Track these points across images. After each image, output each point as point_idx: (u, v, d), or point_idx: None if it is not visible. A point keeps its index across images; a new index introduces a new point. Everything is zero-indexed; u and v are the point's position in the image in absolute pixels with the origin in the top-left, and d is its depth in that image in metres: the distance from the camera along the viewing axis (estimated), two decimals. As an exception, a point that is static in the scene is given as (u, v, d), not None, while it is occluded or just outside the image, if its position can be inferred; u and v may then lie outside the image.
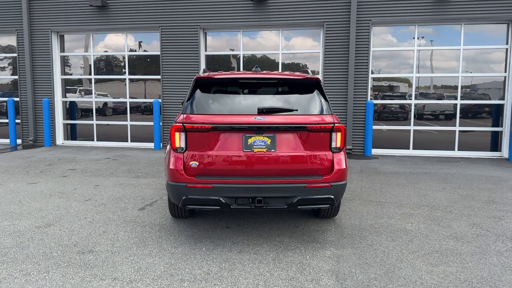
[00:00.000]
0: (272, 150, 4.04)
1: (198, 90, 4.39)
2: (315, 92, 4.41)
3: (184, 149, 4.11)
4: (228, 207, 3.98)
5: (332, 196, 4.00)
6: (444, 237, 4.45)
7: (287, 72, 5.17)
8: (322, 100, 4.36)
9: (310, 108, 4.33)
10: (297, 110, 4.20)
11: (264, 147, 4.04)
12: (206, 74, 4.74)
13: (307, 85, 4.49)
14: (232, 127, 4.04)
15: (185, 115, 4.14)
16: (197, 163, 4.02)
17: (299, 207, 4.03)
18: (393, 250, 4.08)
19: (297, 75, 4.68)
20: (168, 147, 4.30)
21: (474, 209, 5.52)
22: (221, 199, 3.92)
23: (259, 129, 4.02)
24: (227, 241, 4.26)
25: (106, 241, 4.24)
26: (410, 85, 10.60)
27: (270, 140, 4.05)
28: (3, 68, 12.57)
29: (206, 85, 4.50)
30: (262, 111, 4.10)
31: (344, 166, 4.15)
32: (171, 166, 4.07)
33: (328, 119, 4.16)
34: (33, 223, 4.82)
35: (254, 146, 4.03)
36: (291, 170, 4.08)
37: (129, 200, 5.85)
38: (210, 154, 4.03)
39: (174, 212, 4.82)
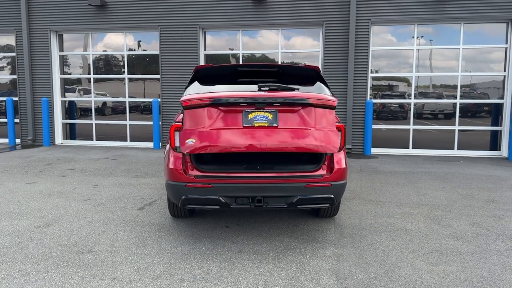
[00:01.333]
0: (274, 125, 3.89)
1: (197, 81, 4.40)
2: (316, 80, 4.42)
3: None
4: (228, 207, 3.96)
5: (332, 196, 3.98)
6: (444, 237, 4.44)
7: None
8: (323, 86, 4.36)
9: (312, 91, 4.31)
10: (298, 90, 4.16)
11: (266, 122, 3.88)
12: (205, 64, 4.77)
13: (307, 73, 4.49)
14: (231, 102, 3.90)
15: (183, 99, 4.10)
16: (194, 140, 3.84)
17: (299, 206, 4.02)
18: (393, 249, 4.07)
19: (297, 65, 4.70)
20: (168, 146, 4.28)
21: (474, 208, 5.51)
22: (220, 198, 3.90)
23: (260, 104, 3.88)
24: (227, 241, 4.25)
25: (106, 241, 4.23)
26: (409, 85, 10.60)
27: (271, 116, 3.91)
28: (2, 68, 12.54)
29: (206, 75, 4.51)
30: (263, 89, 4.02)
31: (344, 166, 4.14)
32: (171, 166, 4.06)
33: (332, 98, 4.11)
34: (32, 223, 4.80)
35: (255, 121, 3.88)
36: (294, 146, 3.85)
37: (128, 199, 5.84)
38: (207, 130, 3.87)
39: (173, 211, 4.81)
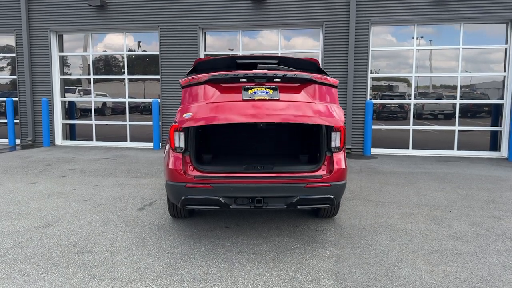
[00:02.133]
0: (275, 98, 3.83)
1: (195, 72, 4.41)
2: (316, 70, 4.43)
3: (184, 149, 4.10)
4: (228, 207, 3.96)
5: (332, 196, 3.98)
6: (444, 237, 4.44)
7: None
8: (324, 73, 4.38)
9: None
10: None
11: (266, 96, 3.83)
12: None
13: (307, 65, 4.49)
14: (230, 77, 3.85)
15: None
16: (192, 114, 3.75)
17: (298, 207, 4.02)
18: (393, 250, 4.07)
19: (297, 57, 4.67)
20: (167, 147, 4.28)
21: (474, 209, 5.51)
22: (220, 199, 3.90)
23: (260, 79, 3.80)
24: (227, 241, 4.25)
25: (105, 241, 4.23)
26: (409, 85, 10.60)
27: (272, 91, 3.86)
28: (1, 68, 12.54)
29: (205, 68, 4.52)
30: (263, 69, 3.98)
31: (343, 166, 4.14)
32: (170, 166, 4.06)
33: (333, 78, 4.10)
34: (32, 223, 4.80)
35: (256, 96, 3.83)
36: (296, 117, 3.72)
37: (128, 200, 5.83)
38: (205, 104, 3.80)
39: (173, 212, 4.80)
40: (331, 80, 4.06)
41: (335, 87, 4.08)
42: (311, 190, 3.96)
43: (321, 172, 4.11)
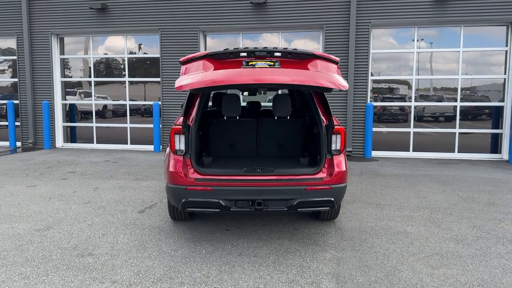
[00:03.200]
0: (277, 66, 3.79)
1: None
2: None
3: (184, 151, 4.11)
4: (228, 210, 3.96)
5: (332, 199, 3.98)
6: (444, 240, 4.43)
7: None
8: None
9: None
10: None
11: (267, 66, 3.78)
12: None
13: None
14: (229, 52, 3.79)
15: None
16: (191, 79, 3.65)
17: (299, 209, 4.02)
18: (393, 252, 4.07)
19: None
20: (168, 149, 4.29)
21: (475, 211, 5.51)
22: (221, 201, 3.90)
23: (261, 52, 3.73)
24: (227, 244, 4.24)
25: (106, 244, 4.23)
26: (410, 87, 10.60)
27: (273, 63, 3.82)
28: (3, 71, 12.57)
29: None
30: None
31: (344, 169, 4.14)
32: (171, 169, 4.07)
33: (335, 57, 4.07)
34: (33, 226, 4.80)
35: (256, 66, 3.77)
36: (295, 80, 3.60)
37: (128, 202, 5.84)
38: (205, 72, 3.74)
39: (173, 214, 4.80)
40: (332, 57, 4.04)
41: (337, 63, 4.03)
42: (312, 192, 3.96)
43: (322, 175, 4.11)
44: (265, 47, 3.97)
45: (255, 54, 3.79)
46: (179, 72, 11.34)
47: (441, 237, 4.51)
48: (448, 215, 5.35)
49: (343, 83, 3.67)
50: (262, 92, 4.75)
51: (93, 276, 3.50)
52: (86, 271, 3.59)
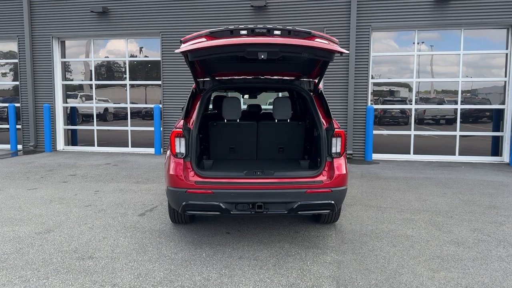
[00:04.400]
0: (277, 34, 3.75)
1: None
2: None
3: (184, 154, 4.11)
4: (228, 213, 3.97)
5: (333, 202, 3.98)
6: (445, 243, 4.43)
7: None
8: None
9: None
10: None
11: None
12: None
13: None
14: (230, 30, 3.77)
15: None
16: (192, 45, 3.63)
17: (299, 212, 4.02)
18: (394, 255, 4.06)
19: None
20: (168, 152, 4.30)
21: (475, 214, 5.50)
22: (221, 204, 3.91)
23: (261, 29, 3.71)
24: (227, 247, 4.24)
25: (106, 247, 4.23)
26: (410, 90, 10.60)
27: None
28: (4, 74, 12.60)
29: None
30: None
31: (344, 172, 4.14)
32: (171, 172, 4.07)
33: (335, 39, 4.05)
34: (33, 229, 4.81)
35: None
36: (300, 43, 3.62)
37: (129, 205, 5.84)
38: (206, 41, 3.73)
39: (174, 217, 4.80)
40: (332, 38, 4.01)
41: (336, 43, 4.02)
42: (312, 195, 3.96)
43: (322, 178, 4.11)
44: (265, 25, 3.97)
45: (255, 32, 3.77)
46: (180, 75, 11.34)
47: (442, 240, 4.50)
48: (449, 218, 5.34)
49: (343, 50, 3.69)
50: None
51: (94, 279, 3.50)
52: (86, 274, 3.59)
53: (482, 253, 4.13)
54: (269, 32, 3.72)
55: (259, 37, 3.67)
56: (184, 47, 3.66)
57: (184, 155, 4.11)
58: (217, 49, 3.68)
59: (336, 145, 4.18)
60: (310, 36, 3.79)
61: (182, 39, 3.97)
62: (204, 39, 3.77)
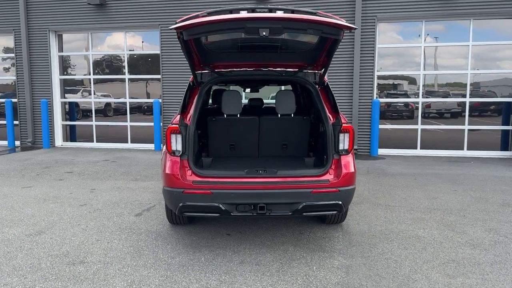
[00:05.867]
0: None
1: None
2: None
3: (181, 152, 3.84)
4: (229, 215, 3.70)
5: (340, 202, 3.71)
6: (459, 245, 4.16)
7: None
8: None
9: None
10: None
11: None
12: None
13: None
14: (230, 10, 3.51)
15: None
16: (188, 21, 3.35)
17: (304, 213, 3.76)
18: (406, 259, 3.80)
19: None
20: (164, 149, 4.03)
21: (489, 213, 5.22)
22: (220, 206, 3.64)
23: (262, 8, 3.46)
24: (228, 251, 3.98)
25: (99, 251, 3.98)
26: (417, 83, 10.28)
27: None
28: (5, 69, 12.33)
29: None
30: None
31: (352, 170, 3.87)
32: (167, 171, 3.81)
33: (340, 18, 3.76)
34: (24, 230, 4.56)
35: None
36: (298, 17, 3.35)
37: (125, 205, 5.59)
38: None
39: (171, 218, 4.55)
40: (337, 17, 3.71)
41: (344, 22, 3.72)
42: (318, 196, 3.69)
43: (329, 177, 3.84)
44: (267, 5, 3.66)
45: (256, 11, 3.46)
46: (180, 69, 11.03)
47: (456, 242, 4.23)
48: (462, 217, 5.07)
49: (352, 25, 3.40)
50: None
51: (84, 286, 3.25)
52: (76, 281, 3.35)
53: (500, 256, 3.85)
54: (271, 12, 3.43)
55: (261, 13, 3.37)
56: (179, 23, 3.33)
57: (181, 152, 3.84)
58: (214, 26, 3.36)
59: (344, 142, 3.91)
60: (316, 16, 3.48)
61: (177, 21, 3.66)
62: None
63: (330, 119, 4.05)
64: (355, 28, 3.49)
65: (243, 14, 3.34)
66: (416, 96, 10.24)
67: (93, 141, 11.81)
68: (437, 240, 4.29)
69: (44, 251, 3.98)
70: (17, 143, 11.86)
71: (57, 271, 3.53)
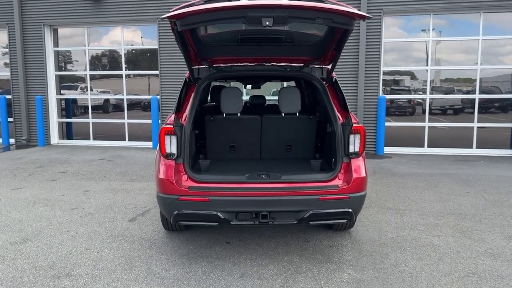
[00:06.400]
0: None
1: None
2: None
3: (176, 155, 3.52)
4: (228, 223, 3.38)
5: (350, 210, 3.38)
6: (478, 254, 3.83)
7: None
8: None
9: None
10: None
11: None
12: None
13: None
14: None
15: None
16: (184, 9, 3.01)
17: (311, 222, 3.43)
18: (421, 272, 3.47)
19: None
20: (158, 151, 3.71)
21: (507, 218, 4.89)
22: (219, 214, 3.31)
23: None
24: (227, 262, 3.66)
25: (88, 262, 3.66)
26: (424, 79, 9.91)
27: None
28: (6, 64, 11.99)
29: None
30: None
31: (364, 174, 3.56)
32: (161, 176, 3.49)
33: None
34: (8, 238, 4.25)
35: None
36: (307, 5, 2.98)
37: (119, 208, 5.27)
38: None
39: (166, 225, 4.22)
40: (348, 5, 3.35)
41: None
42: (326, 203, 3.36)
43: (338, 182, 3.51)
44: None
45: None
46: (179, 65, 10.64)
47: (475, 251, 3.90)
48: (477, 222, 4.74)
49: (366, 14, 3.05)
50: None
51: (67, 305, 2.93)
52: (59, 298, 3.03)
53: (524, 269, 3.53)
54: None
55: (264, 0, 2.99)
56: (172, 12, 2.98)
57: (176, 155, 3.51)
58: (211, 15, 2.99)
59: (354, 143, 3.58)
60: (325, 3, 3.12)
61: (172, 10, 3.30)
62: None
63: (339, 119, 3.73)
64: (369, 17, 3.13)
65: (244, 1, 2.98)
66: (424, 93, 9.86)
67: (89, 139, 11.48)
68: (454, 249, 3.96)
69: (28, 262, 3.67)
70: (12, 141, 11.52)
71: (40, 286, 3.21)
